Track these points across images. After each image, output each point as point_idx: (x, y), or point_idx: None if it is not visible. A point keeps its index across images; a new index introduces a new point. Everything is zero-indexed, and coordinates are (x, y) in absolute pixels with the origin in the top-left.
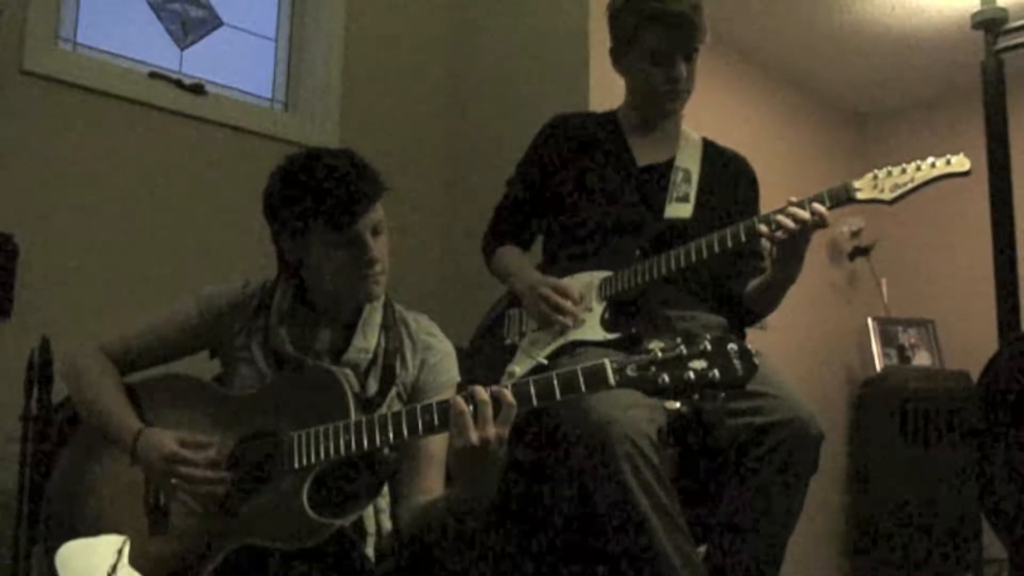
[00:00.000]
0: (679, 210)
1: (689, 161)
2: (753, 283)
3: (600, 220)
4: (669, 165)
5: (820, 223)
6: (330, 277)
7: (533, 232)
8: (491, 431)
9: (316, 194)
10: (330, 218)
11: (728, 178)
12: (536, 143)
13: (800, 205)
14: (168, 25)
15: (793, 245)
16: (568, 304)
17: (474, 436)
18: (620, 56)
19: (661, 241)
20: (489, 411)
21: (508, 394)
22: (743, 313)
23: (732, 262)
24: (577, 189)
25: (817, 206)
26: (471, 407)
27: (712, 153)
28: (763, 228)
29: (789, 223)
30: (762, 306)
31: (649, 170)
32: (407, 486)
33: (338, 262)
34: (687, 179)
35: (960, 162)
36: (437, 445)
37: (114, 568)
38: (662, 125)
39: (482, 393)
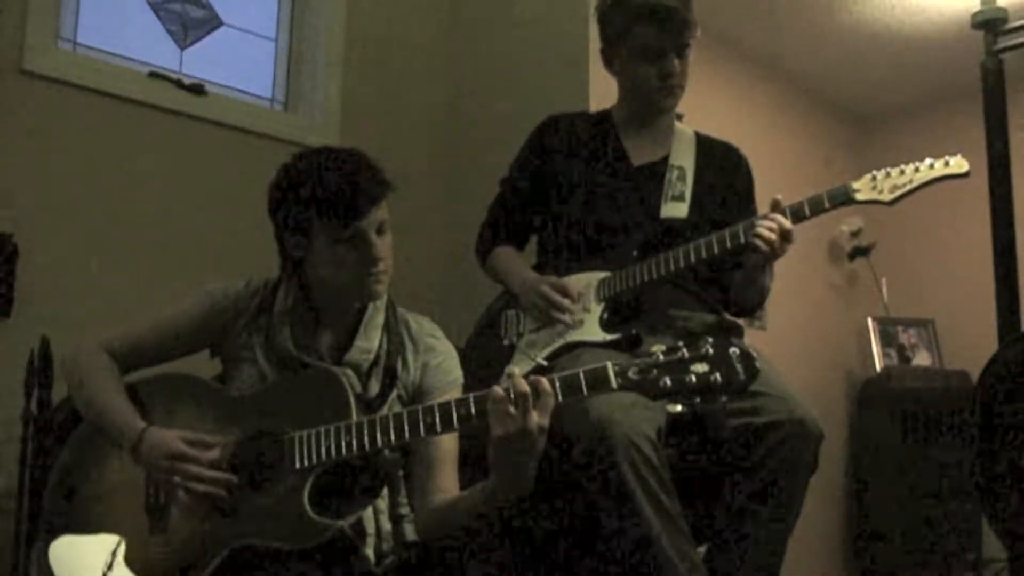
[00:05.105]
0: (675, 209)
1: (684, 158)
2: (736, 276)
3: (596, 221)
4: (664, 163)
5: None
6: (333, 275)
7: (527, 232)
8: (532, 419)
9: (321, 190)
10: (335, 214)
11: (723, 172)
12: (529, 144)
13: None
14: (168, 25)
15: (771, 256)
16: (567, 302)
17: (514, 424)
18: (612, 56)
19: (658, 241)
20: (529, 400)
21: (546, 382)
22: (733, 306)
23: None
24: (572, 190)
25: (781, 220)
26: (510, 396)
27: (705, 147)
28: (765, 228)
29: (765, 238)
30: (744, 297)
31: (644, 169)
32: (422, 488)
33: (341, 260)
34: (682, 177)
35: (959, 163)
36: (450, 445)
37: (109, 567)
38: (656, 123)
39: (521, 382)
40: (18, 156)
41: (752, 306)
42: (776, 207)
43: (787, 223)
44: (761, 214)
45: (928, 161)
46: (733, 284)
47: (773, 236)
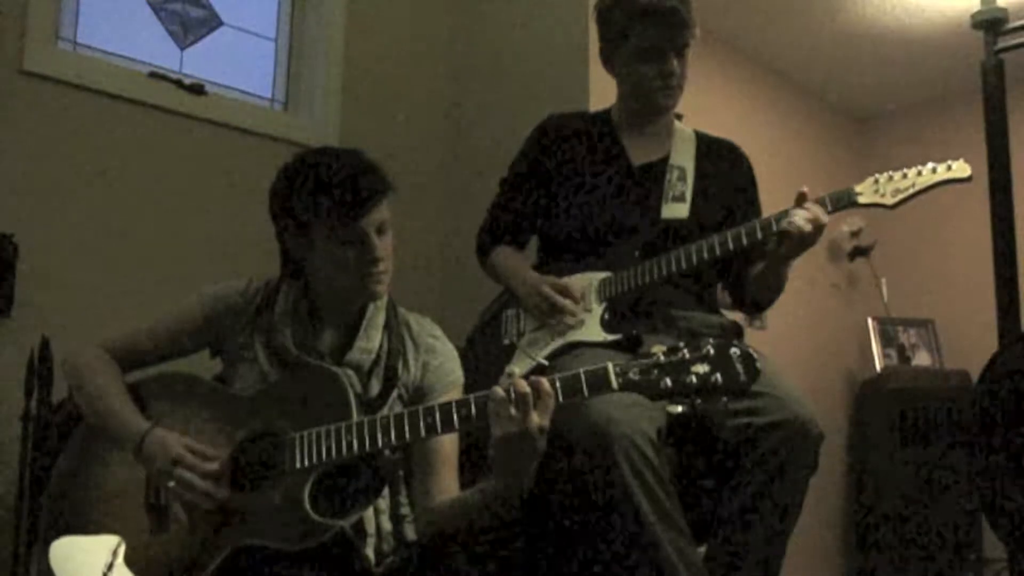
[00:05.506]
0: (675, 210)
1: (684, 158)
2: (754, 270)
3: (596, 221)
4: (664, 163)
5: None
6: (334, 275)
7: (528, 233)
8: (532, 420)
9: (323, 189)
10: (336, 214)
11: (724, 171)
12: (529, 144)
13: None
14: (168, 25)
15: (801, 246)
16: (569, 303)
17: (515, 425)
18: (610, 55)
19: (658, 242)
20: (530, 400)
21: (546, 383)
22: (749, 302)
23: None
24: (572, 190)
25: (818, 211)
26: (511, 397)
27: (706, 147)
28: (801, 217)
29: (799, 228)
30: (765, 292)
31: (644, 169)
32: (423, 488)
33: (342, 259)
34: (682, 177)
35: (961, 168)
36: (451, 446)
37: (110, 567)
38: (655, 123)
39: (521, 383)
40: (18, 156)
41: (769, 301)
42: (802, 200)
43: (823, 216)
44: (786, 208)
45: (931, 165)
46: (751, 279)
47: (809, 227)
